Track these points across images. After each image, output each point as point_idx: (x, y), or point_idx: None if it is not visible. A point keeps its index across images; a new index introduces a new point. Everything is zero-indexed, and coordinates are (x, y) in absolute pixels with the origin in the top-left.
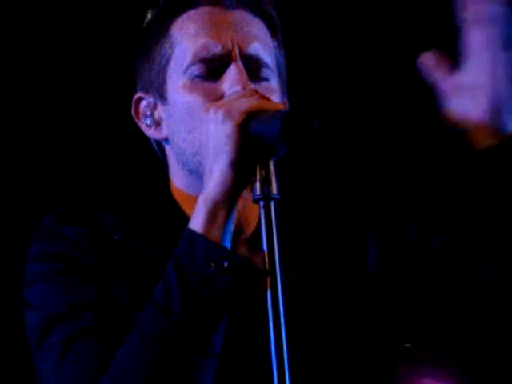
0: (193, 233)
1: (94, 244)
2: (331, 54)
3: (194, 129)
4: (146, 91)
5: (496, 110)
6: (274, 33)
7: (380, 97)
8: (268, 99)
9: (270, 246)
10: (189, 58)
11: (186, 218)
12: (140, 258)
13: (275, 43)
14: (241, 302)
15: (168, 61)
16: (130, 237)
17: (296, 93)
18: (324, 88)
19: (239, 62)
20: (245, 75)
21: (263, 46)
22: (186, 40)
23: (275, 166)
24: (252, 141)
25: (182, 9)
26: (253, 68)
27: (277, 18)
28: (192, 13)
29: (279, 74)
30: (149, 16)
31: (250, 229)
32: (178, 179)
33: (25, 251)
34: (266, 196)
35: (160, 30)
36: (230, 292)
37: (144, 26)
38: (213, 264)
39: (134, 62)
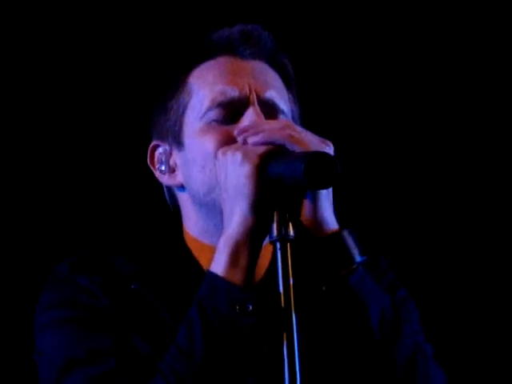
0: (215, 276)
1: (110, 293)
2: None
3: (208, 169)
4: (162, 139)
5: None
6: (289, 86)
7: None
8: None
9: (286, 287)
10: (206, 104)
11: (199, 268)
12: (155, 308)
13: (290, 96)
14: (259, 343)
15: (185, 109)
16: (145, 286)
17: None
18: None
19: (257, 106)
20: (262, 117)
21: (279, 94)
22: (204, 88)
23: (293, 208)
24: (271, 182)
25: (199, 60)
26: (270, 113)
27: (292, 72)
28: (209, 63)
29: (295, 122)
30: (165, 67)
31: (260, 272)
32: (192, 226)
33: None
34: (283, 238)
35: (177, 81)
36: (253, 334)
37: (160, 77)
38: (237, 307)
39: (151, 111)
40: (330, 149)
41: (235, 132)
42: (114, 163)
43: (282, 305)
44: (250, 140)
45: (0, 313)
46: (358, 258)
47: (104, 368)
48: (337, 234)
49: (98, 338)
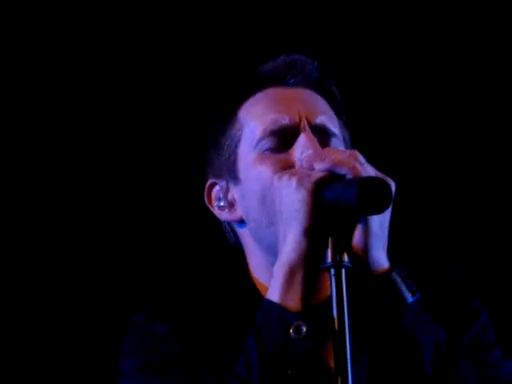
0: (269, 302)
1: (182, 338)
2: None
3: (266, 198)
4: (218, 176)
5: None
6: (338, 112)
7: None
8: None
9: (341, 314)
10: (258, 134)
11: None
12: (227, 347)
13: (340, 122)
14: (314, 367)
15: (238, 143)
16: (216, 328)
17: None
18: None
19: (309, 131)
20: (316, 143)
21: (329, 120)
22: (254, 119)
23: (347, 235)
24: (325, 207)
25: (248, 93)
26: (322, 138)
27: (339, 97)
28: (257, 96)
29: (346, 147)
30: (214, 105)
31: (323, 295)
32: (256, 266)
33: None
34: (338, 263)
35: (227, 117)
36: (308, 358)
37: (210, 115)
38: (291, 331)
39: (204, 150)
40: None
41: (297, 160)
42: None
43: (336, 328)
44: (317, 166)
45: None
46: (409, 299)
47: None
48: (386, 276)
49: (173, 382)
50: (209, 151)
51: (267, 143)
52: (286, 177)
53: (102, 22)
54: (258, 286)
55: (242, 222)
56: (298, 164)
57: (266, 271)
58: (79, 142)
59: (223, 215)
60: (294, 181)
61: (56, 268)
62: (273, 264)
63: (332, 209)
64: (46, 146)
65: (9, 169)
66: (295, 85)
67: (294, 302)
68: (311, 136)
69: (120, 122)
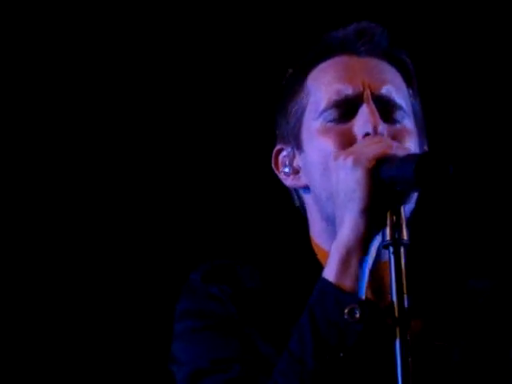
0: (325, 282)
1: (238, 301)
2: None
3: (328, 173)
4: (285, 142)
5: None
6: (408, 81)
7: None
8: (398, 144)
9: (400, 294)
10: (323, 105)
11: None
12: (281, 314)
13: (410, 91)
14: (371, 351)
15: (303, 111)
16: (272, 293)
17: (433, 140)
18: (459, 134)
19: (371, 103)
20: (376, 115)
21: (396, 90)
22: (320, 89)
23: (408, 212)
24: (383, 186)
25: (316, 61)
26: (385, 109)
27: (412, 67)
28: (325, 63)
29: (415, 119)
30: (288, 73)
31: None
32: (317, 232)
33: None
34: (396, 242)
35: (296, 84)
36: (362, 341)
37: (281, 81)
38: (346, 312)
39: (274, 115)
40: None
41: (358, 133)
42: (241, 168)
43: (395, 312)
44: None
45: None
46: None
47: (228, 376)
48: None
49: (225, 346)
50: (278, 115)
51: (330, 114)
52: (342, 157)
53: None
54: (318, 251)
55: (306, 188)
56: (358, 138)
57: (327, 238)
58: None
59: (288, 181)
60: (349, 161)
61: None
62: (333, 233)
63: (389, 186)
64: (50, 145)
65: (8, 168)
66: (364, 53)
67: (350, 284)
68: (372, 107)
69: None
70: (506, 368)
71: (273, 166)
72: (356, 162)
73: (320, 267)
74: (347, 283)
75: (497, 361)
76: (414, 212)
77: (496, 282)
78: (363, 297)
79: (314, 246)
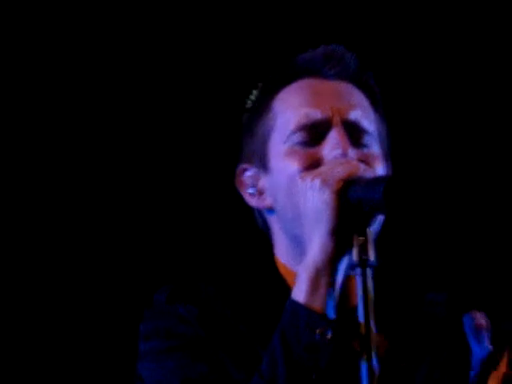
0: (296, 303)
1: (204, 322)
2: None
3: (294, 194)
4: (250, 162)
5: None
6: (375, 105)
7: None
8: (365, 166)
9: (366, 313)
10: (291, 127)
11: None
12: (248, 336)
13: (377, 115)
14: (341, 372)
15: (270, 132)
16: (238, 315)
17: (398, 164)
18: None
19: (340, 127)
20: (346, 139)
21: (364, 114)
22: (288, 111)
23: (373, 233)
24: (350, 207)
25: (284, 83)
26: (354, 134)
27: (378, 91)
28: (293, 86)
29: (381, 143)
30: (253, 94)
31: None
32: (282, 252)
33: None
34: (363, 263)
35: (263, 105)
36: (335, 361)
37: (248, 103)
38: (317, 334)
39: (239, 137)
40: None
41: (326, 156)
42: (204, 188)
43: (362, 332)
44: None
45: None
46: None
47: None
48: None
49: (192, 367)
50: (243, 136)
51: (298, 137)
52: (309, 178)
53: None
54: (284, 272)
55: (270, 209)
56: (325, 161)
57: (294, 259)
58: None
59: (253, 202)
60: (317, 182)
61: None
62: (299, 254)
63: (356, 208)
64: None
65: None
66: (332, 77)
67: (319, 304)
68: (342, 132)
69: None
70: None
71: (236, 184)
72: (324, 183)
73: (286, 288)
74: (317, 304)
75: (460, 376)
76: (379, 233)
77: (451, 294)
78: (333, 317)
79: (279, 266)
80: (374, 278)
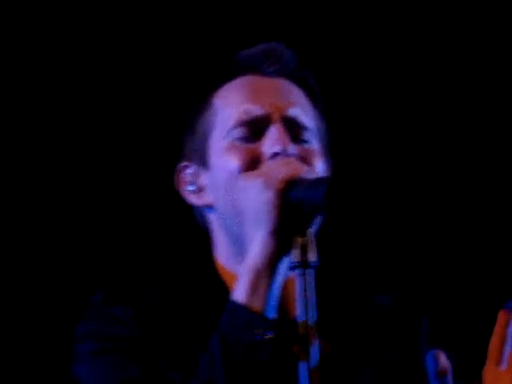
0: (235, 303)
1: (141, 323)
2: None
3: (235, 191)
4: (190, 160)
5: None
6: (315, 103)
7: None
8: (307, 166)
9: (307, 314)
10: (230, 123)
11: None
12: (186, 337)
13: (316, 112)
14: (281, 373)
15: (210, 128)
16: (176, 315)
17: (338, 161)
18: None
19: (279, 123)
20: (285, 135)
21: (303, 111)
22: (227, 107)
23: (315, 234)
24: (291, 208)
25: (223, 80)
26: (293, 130)
27: (317, 88)
28: (233, 83)
29: (321, 140)
30: (191, 89)
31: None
32: (222, 251)
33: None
34: (304, 263)
35: (203, 102)
36: (274, 362)
37: (187, 99)
38: (257, 334)
39: (179, 135)
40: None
41: (266, 153)
42: (143, 185)
43: (301, 333)
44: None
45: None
46: None
47: None
48: None
49: (127, 368)
50: (184, 133)
51: (238, 133)
52: (252, 177)
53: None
54: (222, 273)
55: (210, 207)
56: (265, 157)
57: (233, 258)
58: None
59: (192, 199)
60: (260, 181)
61: None
62: (239, 253)
63: (298, 208)
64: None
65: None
66: (272, 74)
67: (260, 305)
68: (281, 128)
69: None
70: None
71: (175, 182)
72: (266, 183)
73: (225, 288)
74: (257, 304)
75: (406, 376)
76: (320, 233)
77: (398, 297)
78: (273, 318)
79: (218, 266)
80: (315, 278)
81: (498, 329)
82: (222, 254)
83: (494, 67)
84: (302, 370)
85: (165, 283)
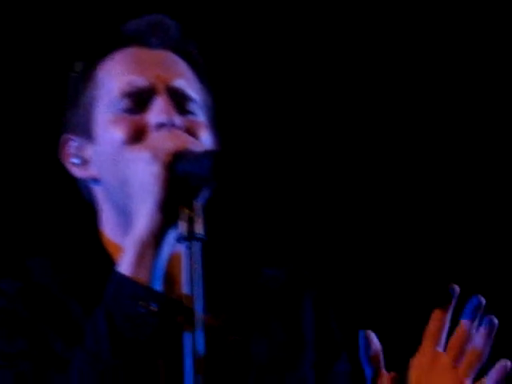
0: (120, 275)
1: (26, 296)
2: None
3: (120, 164)
4: (74, 132)
5: None
6: (200, 76)
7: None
8: (194, 139)
9: (193, 287)
10: (114, 95)
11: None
12: (72, 309)
13: (201, 85)
14: (167, 345)
15: (94, 101)
16: (62, 288)
17: (223, 134)
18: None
19: (164, 94)
20: (170, 106)
21: (188, 83)
22: (111, 79)
23: (202, 206)
24: (178, 181)
25: (107, 51)
26: (179, 101)
27: (201, 61)
28: (117, 55)
29: (206, 112)
30: (76, 63)
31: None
32: (108, 224)
33: None
34: (191, 236)
35: (86, 75)
36: (159, 334)
37: (72, 73)
38: (141, 306)
39: (62, 107)
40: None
41: (151, 124)
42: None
43: (188, 305)
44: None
45: None
46: None
47: (17, 370)
48: None
49: (12, 342)
50: (67, 105)
51: (122, 105)
52: (138, 149)
53: None
54: (108, 245)
55: (96, 179)
56: (151, 128)
57: (119, 230)
58: None
59: (77, 172)
60: (146, 154)
61: None
62: (125, 225)
63: (184, 181)
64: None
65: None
66: (156, 46)
67: (145, 277)
68: (166, 99)
69: None
70: (299, 351)
71: (60, 155)
72: (153, 156)
73: (110, 260)
74: (142, 276)
75: (291, 346)
76: (207, 206)
77: (287, 269)
78: (159, 290)
79: (104, 239)
80: (203, 251)
81: (437, 313)
82: (108, 226)
83: (494, 67)
84: (187, 341)
85: (51, 257)
